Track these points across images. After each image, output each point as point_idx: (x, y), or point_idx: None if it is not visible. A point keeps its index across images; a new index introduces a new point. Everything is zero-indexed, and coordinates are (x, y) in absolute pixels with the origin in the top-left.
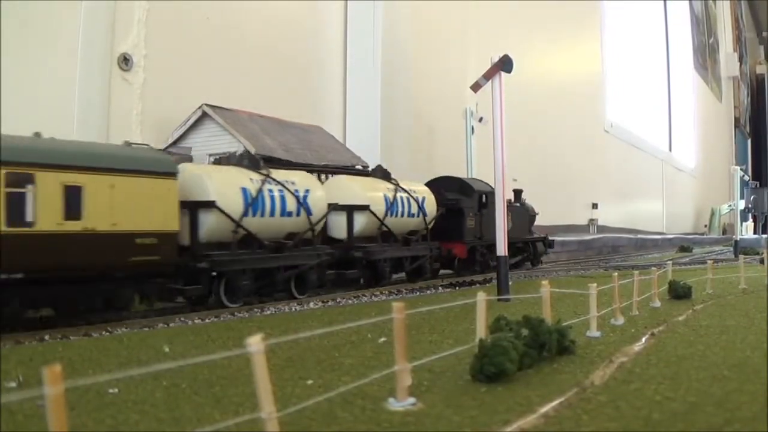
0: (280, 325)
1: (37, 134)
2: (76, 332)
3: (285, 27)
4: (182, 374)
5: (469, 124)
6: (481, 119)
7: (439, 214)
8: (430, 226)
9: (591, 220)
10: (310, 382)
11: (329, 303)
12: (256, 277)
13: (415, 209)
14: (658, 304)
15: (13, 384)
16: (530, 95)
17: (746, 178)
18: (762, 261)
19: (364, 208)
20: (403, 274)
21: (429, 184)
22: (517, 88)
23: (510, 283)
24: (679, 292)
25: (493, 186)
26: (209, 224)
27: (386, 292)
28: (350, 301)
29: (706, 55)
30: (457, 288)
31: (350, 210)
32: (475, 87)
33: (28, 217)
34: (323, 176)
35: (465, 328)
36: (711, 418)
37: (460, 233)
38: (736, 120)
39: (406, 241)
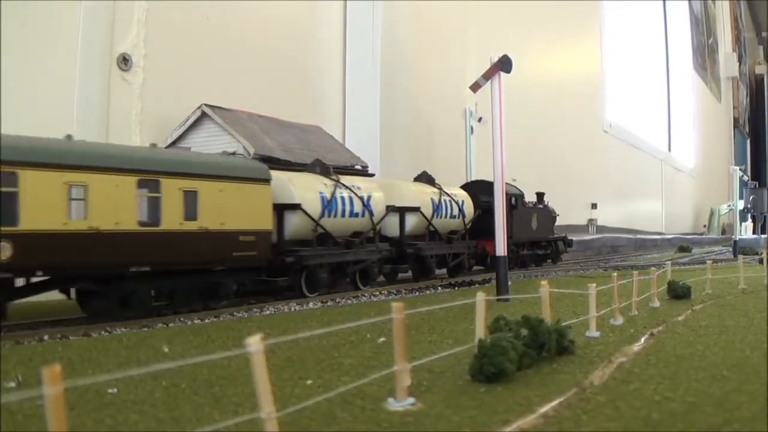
0: (280, 325)
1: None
2: (75, 332)
3: (284, 27)
4: (182, 374)
5: (469, 124)
6: (480, 119)
7: (476, 216)
8: (468, 227)
9: (590, 220)
10: (309, 382)
11: (328, 303)
12: (331, 270)
13: (456, 211)
14: (657, 304)
15: (13, 384)
16: (530, 95)
17: (745, 178)
18: (761, 261)
19: (416, 209)
20: (441, 270)
21: (464, 188)
22: (516, 88)
23: (509, 283)
24: (678, 292)
25: (516, 188)
26: (294, 224)
27: (385, 292)
28: (349, 302)
29: (705, 55)
30: (456, 288)
31: (403, 211)
32: (475, 87)
33: (155, 218)
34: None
35: (464, 329)
36: (710, 418)
37: (486, 231)
38: (736, 120)
39: (448, 239)
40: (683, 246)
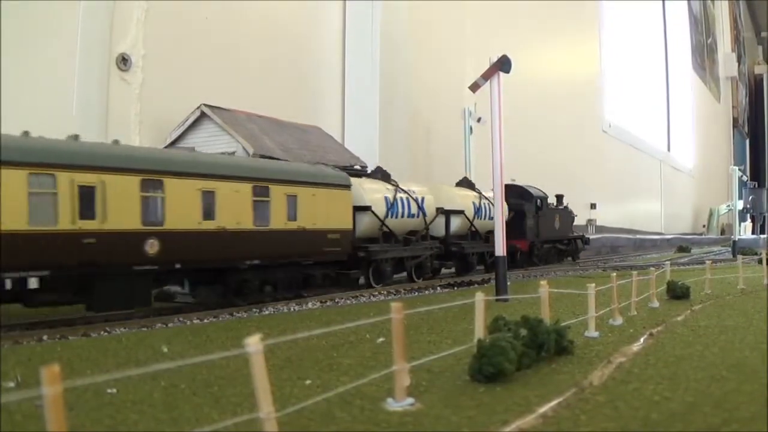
0: (279, 325)
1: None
2: (74, 332)
3: (283, 27)
4: (181, 374)
5: (468, 125)
6: (479, 119)
7: (510, 217)
8: None
9: (589, 221)
10: (308, 382)
11: (327, 303)
12: (394, 264)
13: (487, 213)
14: (656, 304)
15: (12, 384)
16: (529, 95)
17: (744, 178)
18: (760, 261)
19: (460, 212)
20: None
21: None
22: (515, 88)
23: (508, 283)
24: (677, 293)
25: (541, 191)
26: (364, 223)
27: (384, 292)
28: (348, 302)
29: (704, 55)
30: (455, 288)
31: (449, 213)
32: (474, 87)
33: (266, 219)
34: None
35: (463, 329)
36: (709, 419)
37: (523, 231)
38: (735, 120)
39: (486, 239)
40: (682, 246)
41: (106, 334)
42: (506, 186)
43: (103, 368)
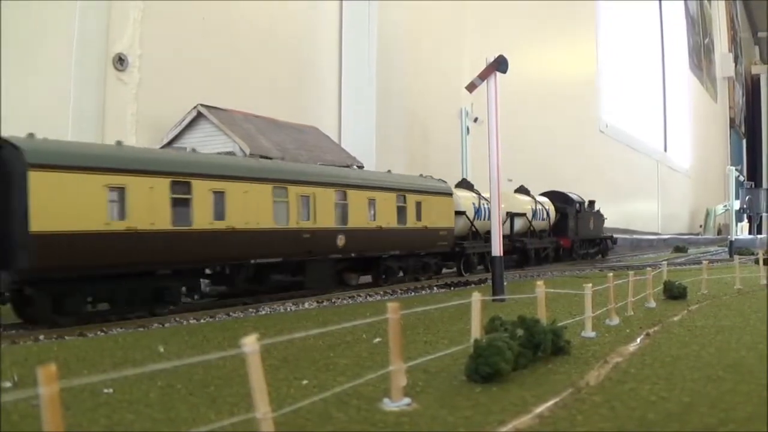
0: (275, 325)
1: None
2: (71, 332)
3: (280, 27)
4: (177, 374)
5: (464, 124)
6: (476, 119)
7: (557, 218)
8: (551, 226)
9: None
10: (305, 382)
11: (324, 303)
12: (479, 257)
13: (545, 215)
14: (653, 304)
15: (9, 384)
16: (525, 95)
17: (741, 178)
18: (757, 261)
19: (522, 215)
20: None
21: (545, 196)
22: (512, 88)
23: (505, 283)
24: (674, 293)
25: (579, 196)
26: (459, 225)
27: (381, 292)
28: (345, 302)
29: (701, 55)
30: (452, 288)
31: (513, 216)
32: (470, 87)
33: (404, 220)
34: None
35: (460, 329)
36: (706, 419)
37: (566, 231)
38: (731, 120)
39: (540, 236)
40: (679, 246)
41: (102, 334)
42: (552, 192)
43: (100, 368)
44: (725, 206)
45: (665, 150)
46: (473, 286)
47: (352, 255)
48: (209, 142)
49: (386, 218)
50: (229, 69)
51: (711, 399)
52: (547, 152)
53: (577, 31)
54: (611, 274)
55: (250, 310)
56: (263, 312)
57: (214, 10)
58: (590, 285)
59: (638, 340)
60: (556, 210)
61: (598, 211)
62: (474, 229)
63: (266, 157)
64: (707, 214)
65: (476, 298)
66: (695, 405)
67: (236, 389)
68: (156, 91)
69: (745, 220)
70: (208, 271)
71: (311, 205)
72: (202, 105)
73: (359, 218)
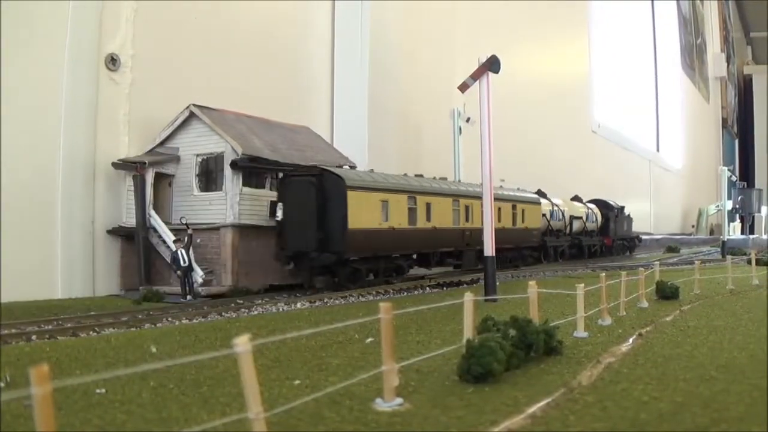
0: (268, 325)
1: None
2: (63, 332)
3: (272, 27)
4: (169, 374)
5: (457, 125)
6: (468, 120)
7: (603, 221)
8: (599, 227)
9: None
10: (297, 382)
11: (316, 303)
12: (555, 249)
13: (594, 218)
14: (645, 304)
15: (1, 384)
16: (518, 96)
17: (734, 178)
18: (749, 261)
19: (579, 218)
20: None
21: (592, 202)
22: (504, 88)
23: (497, 283)
24: (666, 293)
25: (616, 203)
26: (541, 225)
27: (374, 292)
28: (337, 302)
29: (693, 55)
30: (444, 288)
31: (572, 218)
32: (463, 87)
33: (515, 221)
34: None
35: (452, 329)
36: (698, 419)
37: (608, 231)
38: (724, 120)
39: (591, 235)
40: (672, 246)
41: (94, 334)
42: (596, 200)
43: (92, 368)
44: (717, 206)
45: (657, 150)
46: (465, 286)
47: (477, 248)
48: (201, 142)
49: (507, 221)
50: (222, 69)
51: (703, 399)
52: (540, 152)
53: (569, 31)
54: (603, 274)
55: (243, 310)
56: (255, 312)
57: (206, 11)
58: (582, 285)
59: (630, 340)
60: (601, 214)
61: (629, 215)
62: (550, 228)
63: (443, 178)
64: (699, 214)
65: (468, 298)
66: (687, 405)
67: (228, 389)
68: (148, 91)
69: (738, 221)
70: (414, 256)
71: (470, 212)
72: (194, 105)
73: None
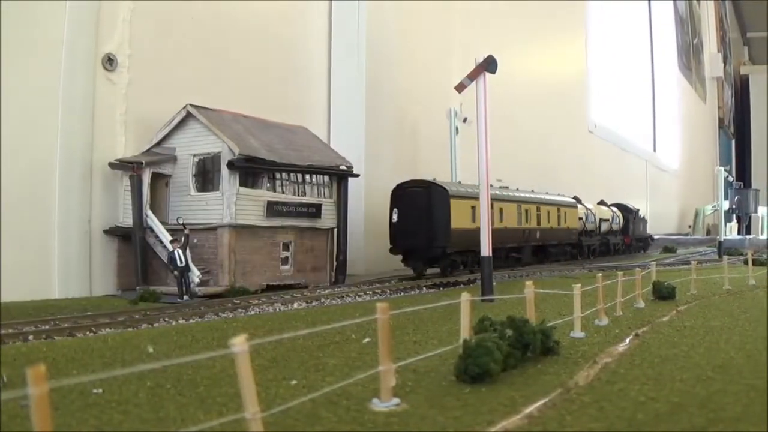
0: (264, 325)
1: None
2: (60, 332)
3: (270, 27)
4: (166, 374)
5: (453, 125)
6: (465, 119)
7: (624, 222)
8: (621, 227)
9: None
10: (294, 382)
11: (313, 303)
12: (588, 247)
13: (618, 220)
14: (642, 304)
15: None
16: (515, 96)
17: (730, 178)
18: (746, 262)
19: (607, 220)
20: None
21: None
22: (501, 88)
23: (494, 283)
24: (663, 293)
25: (633, 206)
26: (578, 226)
27: (370, 292)
28: (334, 302)
29: (690, 55)
30: (441, 288)
31: (600, 221)
32: (460, 87)
33: (561, 222)
34: None
35: (449, 329)
36: (695, 419)
37: (628, 231)
38: (720, 120)
39: (616, 235)
40: (668, 246)
41: (91, 334)
42: (617, 204)
43: (89, 368)
44: (714, 206)
45: (654, 150)
46: (462, 286)
47: (540, 243)
48: (198, 142)
49: (553, 222)
50: (219, 69)
51: (700, 399)
52: (537, 152)
53: (566, 31)
54: (600, 274)
55: (239, 310)
56: (252, 312)
57: (203, 11)
58: (579, 285)
59: (627, 340)
60: (622, 216)
61: (644, 217)
62: (585, 229)
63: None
64: (696, 215)
65: (465, 298)
66: (684, 405)
67: (225, 389)
68: (145, 91)
69: (734, 221)
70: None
71: (529, 214)
72: (191, 105)
73: (544, 222)
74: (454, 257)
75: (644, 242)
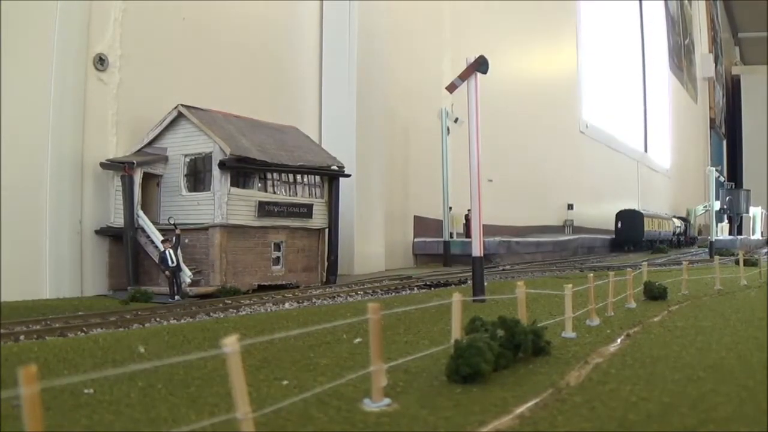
0: (256, 325)
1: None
2: (51, 332)
3: (261, 27)
4: (158, 375)
5: (445, 125)
6: (456, 120)
7: (684, 227)
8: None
9: (566, 221)
10: (285, 382)
11: (304, 303)
12: (678, 241)
13: (683, 226)
14: (633, 305)
15: None
16: (506, 96)
17: (722, 179)
18: (737, 262)
19: (679, 226)
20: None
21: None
22: (493, 89)
23: (485, 284)
24: (654, 293)
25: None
26: (672, 229)
27: (361, 292)
28: (325, 302)
29: (681, 56)
30: (432, 288)
31: (677, 227)
32: (451, 88)
33: (662, 228)
34: None
35: (440, 329)
36: (686, 419)
37: (686, 233)
38: (712, 121)
39: (682, 235)
40: (660, 247)
41: (82, 334)
42: (680, 217)
43: (80, 368)
44: (705, 207)
45: (645, 150)
46: (453, 286)
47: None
48: (189, 142)
49: (663, 228)
50: (210, 69)
51: (691, 399)
52: (528, 152)
53: (557, 31)
54: (591, 274)
55: (231, 310)
56: (243, 312)
57: (195, 11)
58: (570, 286)
59: (618, 340)
60: (683, 223)
61: (691, 222)
62: (674, 231)
63: None
64: (687, 215)
65: (457, 298)
66: (676, 405)
67: (217, 389)
68: (137, 91)
69: (726, 221)
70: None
71: (659, 224)
72: (182, 105)
73: (661, 228)
74: (644, 245)
75: (692, 240)
